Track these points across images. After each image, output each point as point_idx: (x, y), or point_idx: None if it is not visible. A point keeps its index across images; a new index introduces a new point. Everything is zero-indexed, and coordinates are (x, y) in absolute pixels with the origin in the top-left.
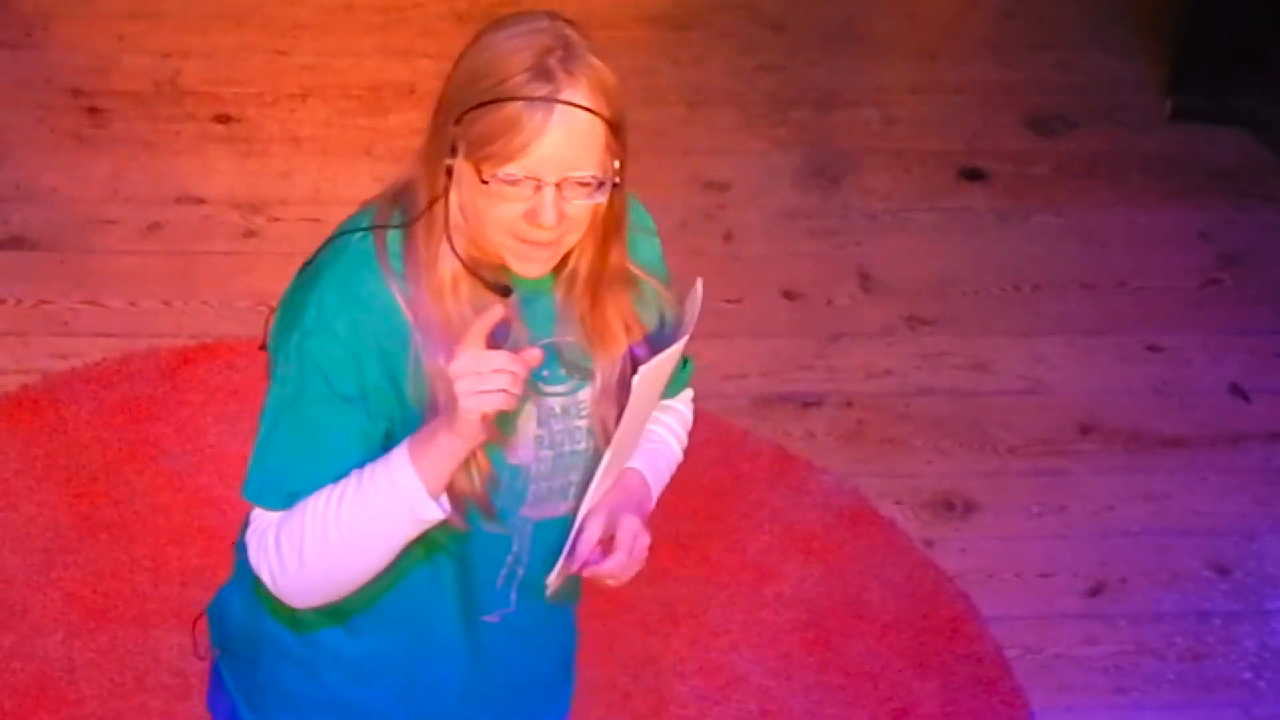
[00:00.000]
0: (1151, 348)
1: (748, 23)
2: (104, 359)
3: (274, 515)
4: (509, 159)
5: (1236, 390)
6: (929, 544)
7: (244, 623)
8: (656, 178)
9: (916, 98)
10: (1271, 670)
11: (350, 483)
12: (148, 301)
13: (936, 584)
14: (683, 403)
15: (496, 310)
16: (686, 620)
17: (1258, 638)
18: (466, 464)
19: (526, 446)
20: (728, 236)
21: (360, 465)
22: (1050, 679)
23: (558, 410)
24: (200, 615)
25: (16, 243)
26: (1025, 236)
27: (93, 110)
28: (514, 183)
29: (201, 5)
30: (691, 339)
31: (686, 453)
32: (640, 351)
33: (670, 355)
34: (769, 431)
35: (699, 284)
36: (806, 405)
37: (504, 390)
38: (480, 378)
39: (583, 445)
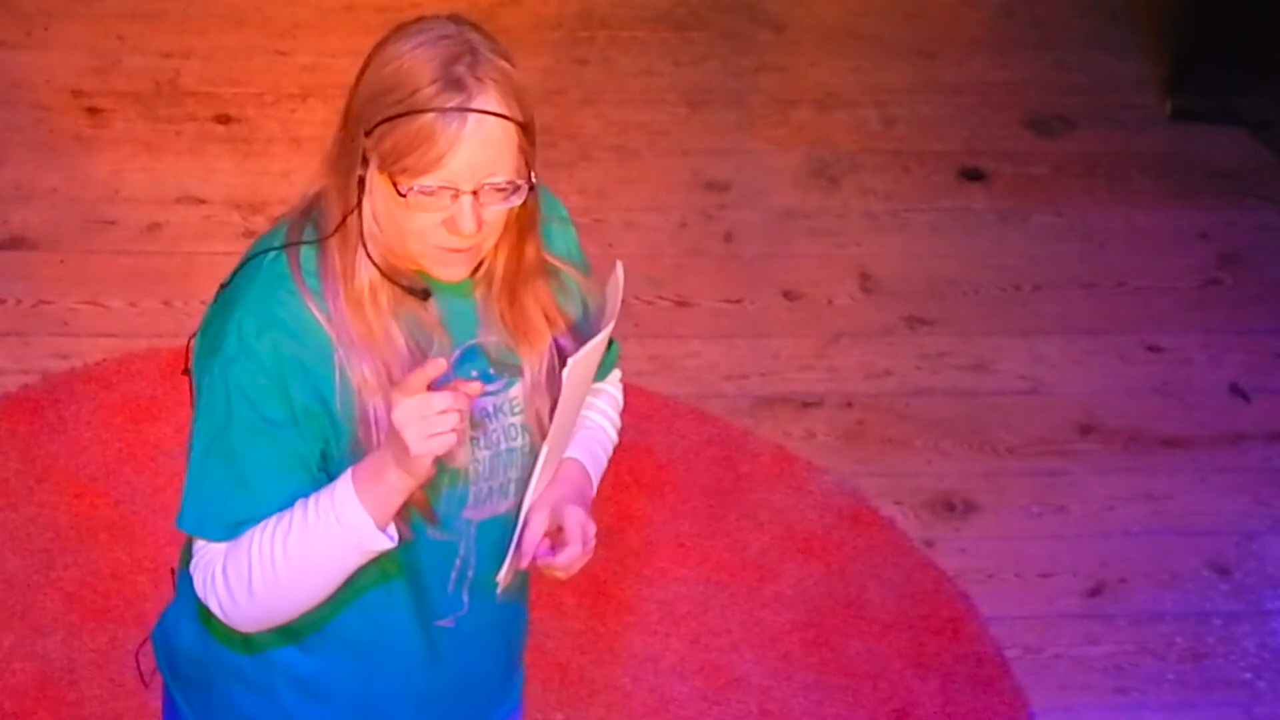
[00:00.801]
0: (1151, 348)
1: (748, 23)
2: (104, 359)
3: (218, 547)
4: (424, 171)
5: (1236, 390)
6: (929, 544)
7: (194, 647)
8: (656, 178)
9: (916, 98)
10: (1271, 671)
11: (295, 516)
12: (148, 301)
13: (936, 584)
14: (612, 384)
15: (438, 364)
16: (686, 620)
17: (1258, 638)
18: None
19: (463, 450)
20: (728, 236)
21: (297, 489)
22: (1050, 679)
23: (490, 410)
24: (144, 641)
25: (16, 243)
26: (1025, 236)
27: (93, 110)
28: (431, 194)
29: (201, 5)
30: (689, 339)
31: (687, 453)
32: (565, 343)
33: (597, 344)
34: (769, 431)
35: (619, 268)
36: (806, 405)
37: (453, 430)
38: (427, 422)
39: (518, 442)
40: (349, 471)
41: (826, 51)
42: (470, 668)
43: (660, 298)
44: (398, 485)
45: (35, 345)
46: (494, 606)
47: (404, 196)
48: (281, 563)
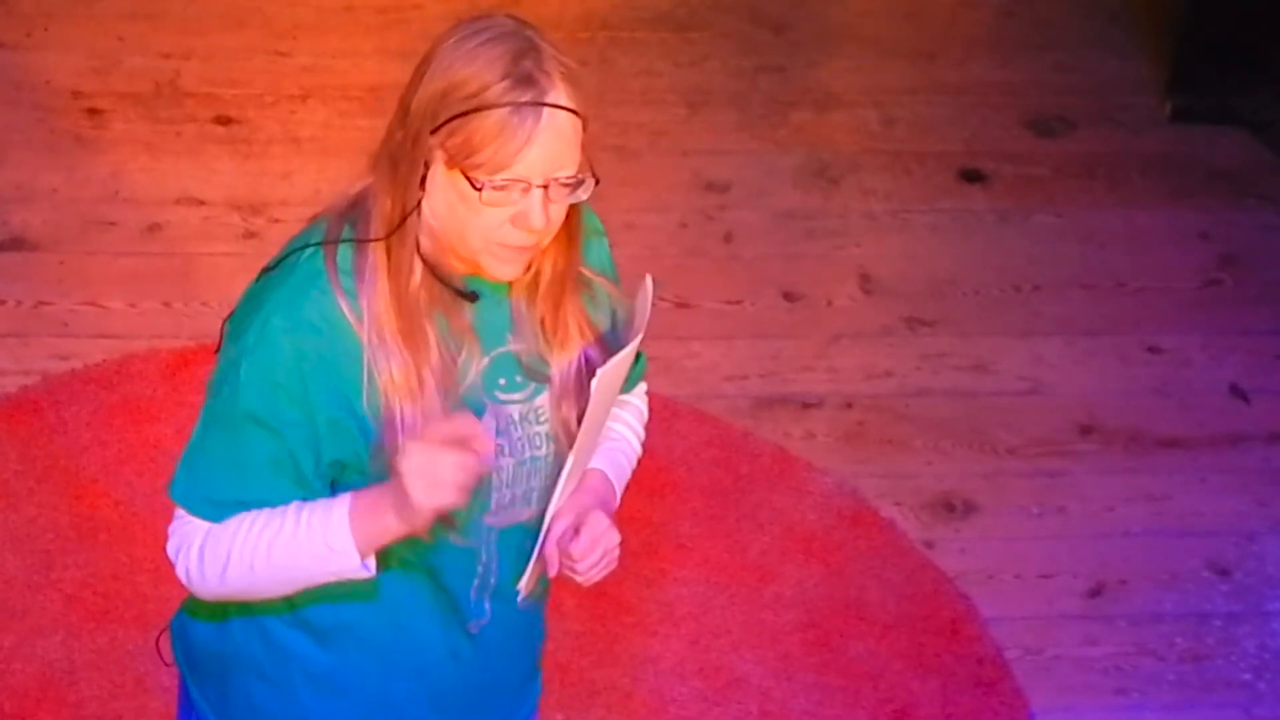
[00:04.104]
0: (1151, 348)
1: (748, 23)
2: (104, 360)
3: (200, 524)
4: (500, 167)
5: (1236, 391)
6: (929, 545)
7: (210, 640)
8: (657, 178)
9: (916, 98)
10: (1272, 672)
11: (286, 522)
12: (148, 303)
13: (936, 585)
14: (637, 397)
15: (471, 422)
16: (687, 621)
17: (1258, 639)
18: None
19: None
20: (728, 237)
21: (285, 487)
22: (1050, 680)
23: (516, 418)
24: (162, 631)
25: (16, 243)
26: (1025, 237)
27: (93, 110)
28: (503, 189)
29: (201, 5)
30: (689, 340)
31: (687, 454)
32: (592, 353)
33: (626, 355)
34: (769, 432)
35: (649, 281)
36: (806, 406)
37: (460, 488)
38: (436, 474)
39: (543, 450)
40: (348, 497)
41: (826, 52)
42: (491, 672)
43: (660, 299)
44: (391, 528)
45: (35, 346)
46: (515, 613)
47: (479, 191)
48: (262, 562)
